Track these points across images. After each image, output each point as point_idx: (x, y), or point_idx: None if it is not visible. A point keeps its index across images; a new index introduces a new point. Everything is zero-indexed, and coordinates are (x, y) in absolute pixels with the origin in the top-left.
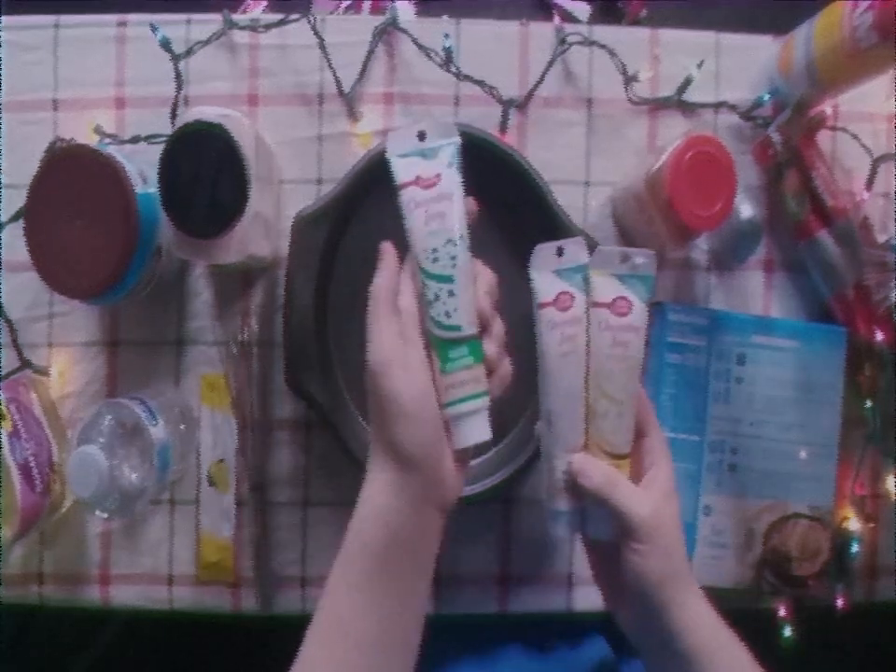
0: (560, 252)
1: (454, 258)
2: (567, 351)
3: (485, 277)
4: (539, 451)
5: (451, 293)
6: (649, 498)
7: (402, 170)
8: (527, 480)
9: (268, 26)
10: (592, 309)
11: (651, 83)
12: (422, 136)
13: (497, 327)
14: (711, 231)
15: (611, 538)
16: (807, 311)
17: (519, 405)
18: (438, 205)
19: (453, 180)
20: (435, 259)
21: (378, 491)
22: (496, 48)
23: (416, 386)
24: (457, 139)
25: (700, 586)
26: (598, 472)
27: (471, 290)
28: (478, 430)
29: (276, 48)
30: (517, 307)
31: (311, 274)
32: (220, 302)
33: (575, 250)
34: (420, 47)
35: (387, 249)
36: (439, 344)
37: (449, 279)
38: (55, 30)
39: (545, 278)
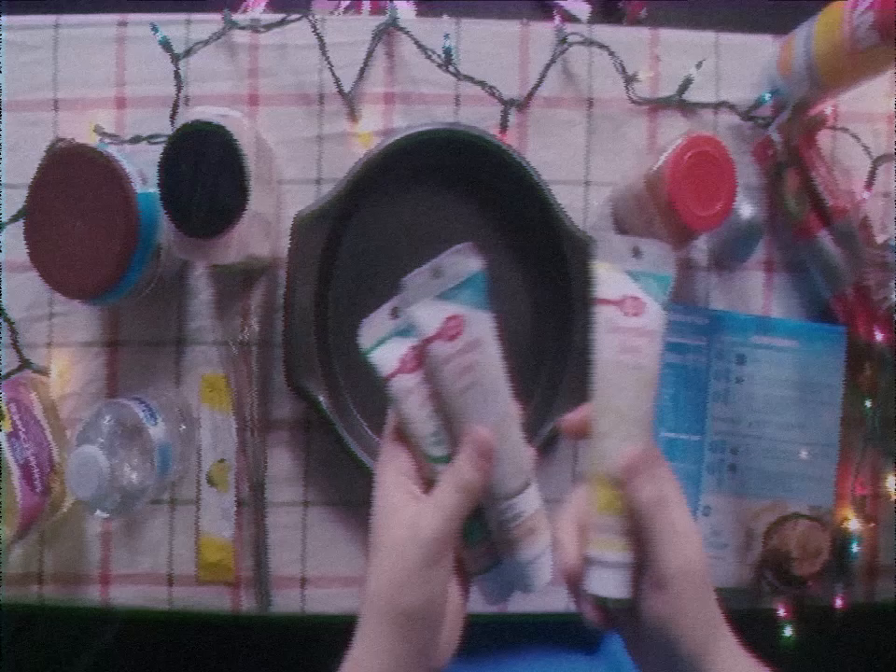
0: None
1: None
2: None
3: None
4: (538, 450)
5: None
6: (681, 541)
7: (383, 360)
8: None
9: (268, 26)
10: (597, 307)
11: (650, 83)
12: (394, 312)
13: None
14: (711, 231)
15: (625, 595)
16: (807, 311)
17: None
18: (427, 388)
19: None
20: (437, 443)
21: (367, 651)
22: (496, 48)
23: (427, 540)
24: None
25: None
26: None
27: None
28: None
29: (276, 48)
30: (515, 307)
31: (311, 274)
32: (220, 302)
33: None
34: (420, 47)
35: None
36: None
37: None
38: (55, 30)
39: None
